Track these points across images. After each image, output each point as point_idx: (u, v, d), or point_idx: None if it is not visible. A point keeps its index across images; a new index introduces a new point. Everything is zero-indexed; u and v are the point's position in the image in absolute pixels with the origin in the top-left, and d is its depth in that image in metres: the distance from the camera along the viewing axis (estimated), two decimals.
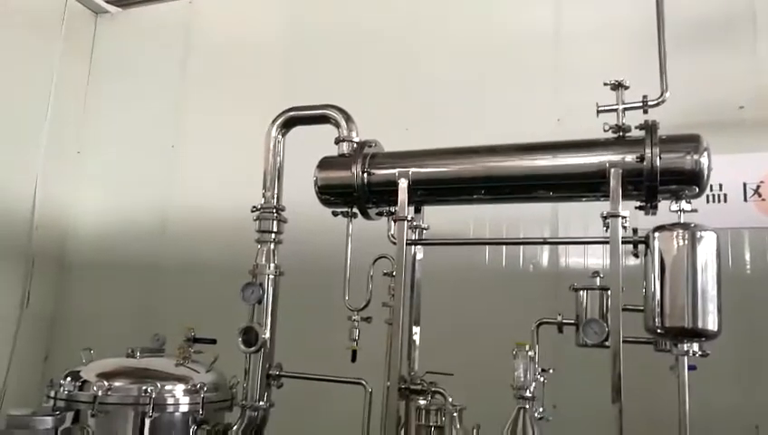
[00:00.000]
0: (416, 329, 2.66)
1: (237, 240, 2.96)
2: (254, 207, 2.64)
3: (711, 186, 3.31)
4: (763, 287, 3.20)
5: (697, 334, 2.07)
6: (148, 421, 2.40)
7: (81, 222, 4.81)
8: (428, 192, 2.52)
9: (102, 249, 4.65)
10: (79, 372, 2.52)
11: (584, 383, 2.71)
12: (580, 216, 3.40)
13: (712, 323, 2.07)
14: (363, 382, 2.44)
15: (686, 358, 2.10)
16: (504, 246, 3.66)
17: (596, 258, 3.53)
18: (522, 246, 3.63)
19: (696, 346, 2.10)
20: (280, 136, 2.71)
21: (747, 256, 3.25)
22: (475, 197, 2.53)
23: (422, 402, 2.47)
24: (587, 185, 2.34)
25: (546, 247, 3.62)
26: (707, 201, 3.30)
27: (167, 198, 4.51)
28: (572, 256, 3.57)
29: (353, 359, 2.47)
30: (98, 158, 4.86)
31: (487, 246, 3.71)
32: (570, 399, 2.85)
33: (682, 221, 2.18)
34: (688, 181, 2.16)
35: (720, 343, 2.88)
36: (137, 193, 4.62)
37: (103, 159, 4.83)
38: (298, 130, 2.81)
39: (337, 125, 2.63)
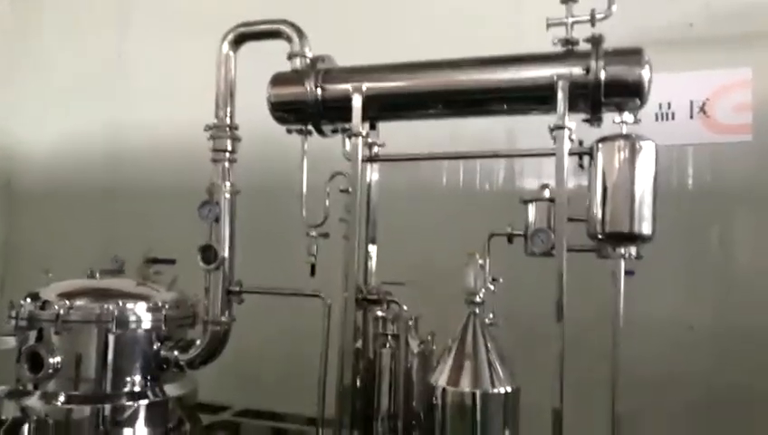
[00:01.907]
0: (372, 248, 2.74)
1: (191, 162, 2.95)
2: (208, 125, 2.62)
3: (660, 104, 3.44)
4: (704, 201, 3.37)
5: (634, 238, 2.20)
6: (111, 338, 2.46)
7: (26, 150, 4.70)
8: (383, 107, 2.53)
9: (52, 177, 4.58)
10: (39, 292, 2.54)
11: (533, 295, 2.85)
12: (535, 136, 3.49)
13: (647, 228, 2.20)
14: (321, 295, 2.53)
15: (623, 261, 2.24)
16: (461, 168, 3.74)
17: (550, 178, 3.64)
18: (478, 167, 3.71)
19: (633, 250, 2.24)
20: (231, 53, 2.66)
21: (690, 172, 3.40)
22: (429, 111, 2.56)
23: (379, 314, 2.60)
24: (538, 98, 2.38)
25: (502, 168, 3.71)
26: (656, 119, 3.41)
27: (117, 120, 4.42)
28: (528, 175, 3.67)
29: (312, 273, 2.55)
30: (40, 83, 4.69)
31: (445, 169, 3.79)
32: (520, 309, 2.99)
33: (624, 133, 2.27)
34: (630, 93, 2.23)
35: (661, 253, 3.07)
36: (85, 119, 4.51)
37: (46, 83, 4.67)
38: (253, 48, 2.76)
39: (289, 40, 2.59)
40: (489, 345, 2.30)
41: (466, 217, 3.44)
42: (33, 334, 2.47)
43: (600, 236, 2.24)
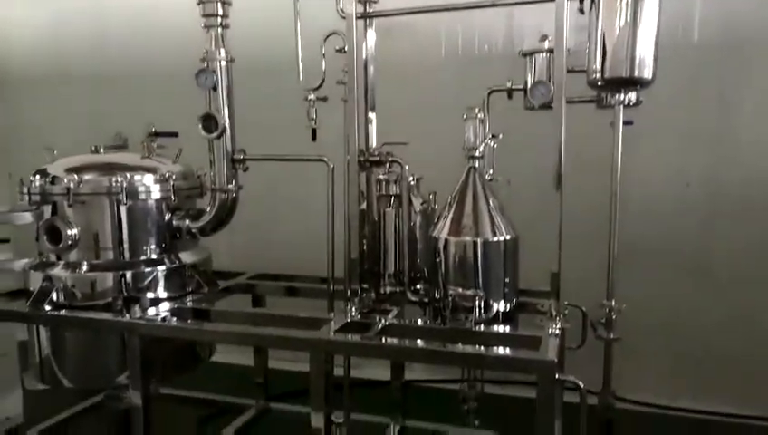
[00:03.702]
0: (372, 114, 2.73)
1: (183, 37, 2.89)
2: None
3: None
4: (709, 54, 3.30)
5: (634, 83, 2.19)
6: (123, 209, 2.54)
7: (14, 36, 4.59)
8: None
9: (42, 63, 4.51)
10: (46, 169, 2.60)
11: (531, 151, 2.88)
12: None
13: (647, 73, 2.18)
14: (325, 159, 2.56)
15: (622, 108, 2.24)
16: (459, 31, 3.65)
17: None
18: (477, 30, 3.62)
19: (633, 95, 2.23)
20: None
21: (697, 23, 3.30)
22: None
23: (382, 177, 2.66)
24: None
25: (501, 32, 3.61)
26: None
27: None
28: (528, 36, 3.56)
29: (313, 137, 2.58)
30: None
31: (443, 34, 3.70)
32: (519, 165, 3.03)
33: None
34: None
35: (664, 107, 3.06)
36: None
37: None
38: None
39: None
40: (488, 198, 2.37)
41: (466, 80, 3.40)
42: (47, 209, 2.55)
43: (599, 83, 2.23)
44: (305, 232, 3.19)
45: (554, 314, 2.30)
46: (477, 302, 2.27)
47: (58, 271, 2.55)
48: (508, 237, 2.31)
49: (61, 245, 2.50)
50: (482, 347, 2.09)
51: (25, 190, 2.57)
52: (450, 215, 2.36)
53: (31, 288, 2.60)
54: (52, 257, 2.59)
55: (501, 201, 2.39)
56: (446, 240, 2.33)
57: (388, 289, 2.63)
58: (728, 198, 3.36)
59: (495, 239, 2.29)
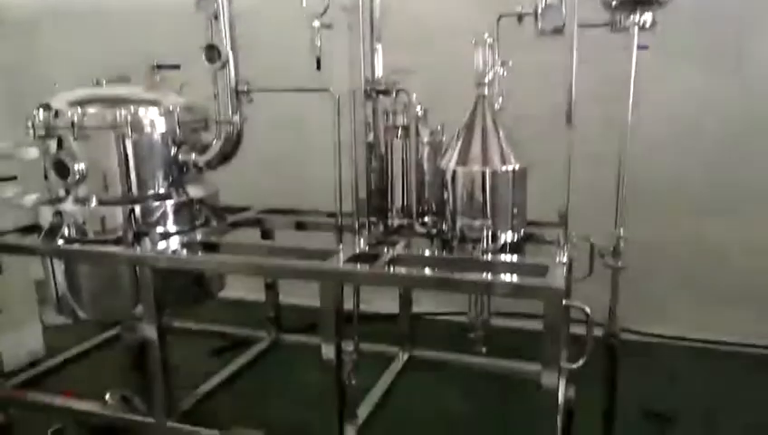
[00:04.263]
0: (378, 46, 2.66)
1: None
2: None
3: None
4: None
5: (650, 2, 2.11)
6: (129, 142, 2.53)
7: None
8: None
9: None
10: (49, 103, 2.57)
11: (542, 80, 2.81)
12: None
13: None
14: (330, 89, 2.51)
15: (636, 29, 2.17)
16: None
17: None
18: None
19: (648, 17, 2.15)
20: None
21: None
22: None
23: (388, 106, 2.61)
24: None
25: None
26: None
27: None
28: None
29: (318, 66, 2.52)
30: None
31: None
32: (529, 94, 2.96)
33: None
34: None
35: (681, 30, 2.96)
36: None
37: None
38: None
39: None
40: (498, 127, 2.33)
41: (475, 5, 3.28)
42: (52, 143, 2.54)
43: (613, 3, 2.15)
44: (311, 166, 3.17)
45: (562, 243, 2.30)
46: (485, 232, 2.27)
47: (68, 206, 2.56)
48: (517, 167, 2.29)
49: (69, 179, 2.51)
50: (489, 275, 2.10)
51: (30, 125, 2.56)
52: (458, 145, 2.33)
53: (42, 223, 2.63)
54: (62, 193, 2.60)
55: (509, 130, 2.35)
56: (455, 171, 2.31)
57: (396, 222, 2.63)
58: (749, 127, 3.30)
59: (504, 169, 2.27)
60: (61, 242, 2.54)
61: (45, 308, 3.54)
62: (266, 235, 3.09)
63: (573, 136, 2.20)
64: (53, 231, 2.57)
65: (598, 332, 2.18)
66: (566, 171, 2.22)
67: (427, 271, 2.20)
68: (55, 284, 2.69)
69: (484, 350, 2.60)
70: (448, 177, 2.33)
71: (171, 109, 2.59)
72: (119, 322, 3.42)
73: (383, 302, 3.52)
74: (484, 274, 2.14)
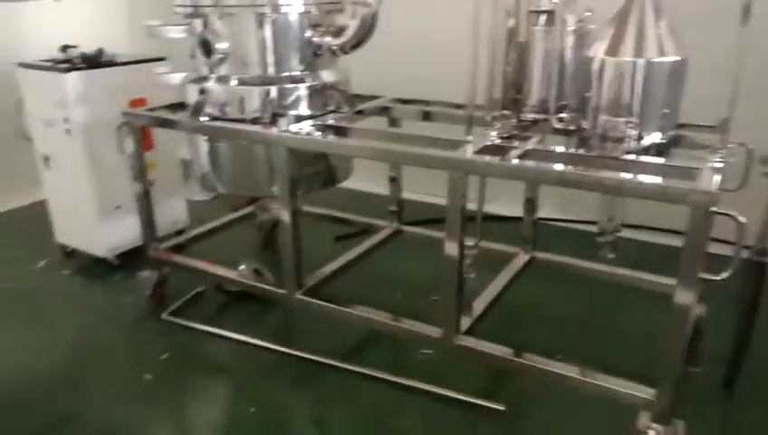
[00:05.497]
0: None
1: None
2: None
3: None
4: None
5: None
6: (269, 21, 2.56)
7: None
8: None
9: None
10: None
11: None
12: None
13: None
14: None
15: None
16: None
17: None
18: None
19: None
20: None
21: None
22: None
23: None
24: None
25: None
26: None
27: None
28: None
29: None
30: None
31: None
32: None
33: None
34: None
35: None
36: None
37: None
38: None
39: None
40: (659, 14, 2.08)
41: None
42: (198, 23, 2.63)
43: None
44: (445, 56, 3.06)
45: (716, 147, 2.07)
46: (630, 130, 2.10)
47: (211, 84, 2.68)
48: (676, 59, 2.05)
49: (212, 58, 2.61)
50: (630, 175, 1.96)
51: (177, 4, 2.66)
52: (611, 32, 2.12)
53: (188, 101, 2.79)
54: (205, 71, 2.72)
55: (669, 18, 2.10)
56: (603, 60, 2.12)
57: (531, 116, 2.50)
58: None
59: (660, 60, 2.04)
60: (204, 119, 2.69)
61: (190, 184, 3.86)
62: (394, 123, 3.08)
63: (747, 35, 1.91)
64: (198, 109, 2.72)
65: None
66: (733, 72, 1.95)
67: (561, 167, 2.08)
68: (200, 160, 2.88)
69: (611, 256, 2.50)
70: (595, 67, 2.14)
71: None
72: (255, 199, 3.67)
73: (507, 204, 3.46)
74: (624, 174, 1.99)
